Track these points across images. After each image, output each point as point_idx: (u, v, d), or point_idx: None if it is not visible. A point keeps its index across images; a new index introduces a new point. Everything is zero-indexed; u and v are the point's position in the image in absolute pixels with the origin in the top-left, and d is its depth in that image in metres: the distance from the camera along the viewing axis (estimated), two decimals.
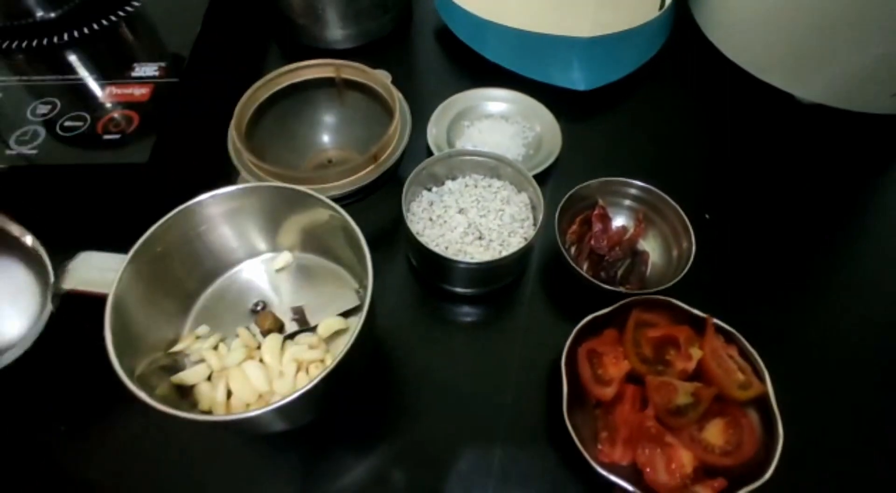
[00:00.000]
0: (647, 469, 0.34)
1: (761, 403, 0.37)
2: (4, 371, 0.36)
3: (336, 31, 0.60)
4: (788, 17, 0.53)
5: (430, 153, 0.51)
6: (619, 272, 0.45)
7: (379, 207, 0.48)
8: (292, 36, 0.63)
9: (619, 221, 0.47)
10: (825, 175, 0.54)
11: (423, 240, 0.42)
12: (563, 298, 0.46)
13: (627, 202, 0.47)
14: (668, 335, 0.39)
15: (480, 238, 0.44)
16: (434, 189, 0.47)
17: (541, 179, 0.50)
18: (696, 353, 0.38)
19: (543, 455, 0.39)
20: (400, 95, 0.47)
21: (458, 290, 0.45)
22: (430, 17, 0.66)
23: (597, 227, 0.46)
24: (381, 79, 0.48)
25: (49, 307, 0.38)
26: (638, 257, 0.46)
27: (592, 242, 0.45)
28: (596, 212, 0.46)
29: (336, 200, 0.36)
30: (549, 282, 0.47)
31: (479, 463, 0.39)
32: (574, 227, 0.46)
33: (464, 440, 0.40)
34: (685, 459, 0.34)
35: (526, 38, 0.57)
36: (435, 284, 0.46)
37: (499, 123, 0.55)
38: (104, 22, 0.54)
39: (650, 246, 0.47)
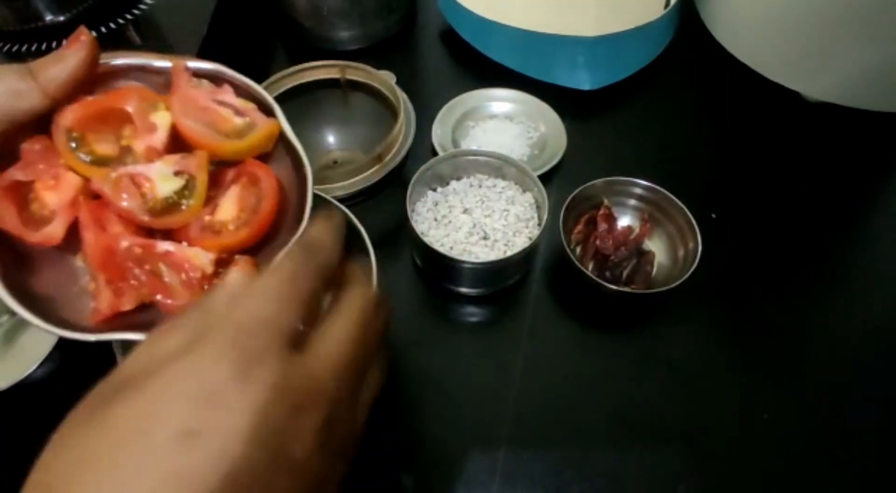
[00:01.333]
0: (159, 297, 0.24)
1: (287, 143, 0.26)
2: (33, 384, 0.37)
3: (341, 33, 0.61)
4: (795, 14, 0.52)
5: (435, 154, 0.51)
6: (625, 272, 0.45)
7: (384, 207, 0.48)
8: (298, 37, 0.63)
9: (624, 221, 0.47)
10: (832, 174, 0.54)
11: (428, 240, 0.42)
12: (568, 298, 0.46)
13: (633, 202, 0.47)
14: (110, 109, 0.24)
15: (485, 238, 0.44)
16: (439, 189, 0.47)
17: (545, 179, 0.50)
18: (162, 117, 0.25)
19: (548, 455, 0.39)
20: (404, 96, 0.48)
21: (463, 290, 0.45)
22: (434, 18, 0.66)
23: (602, 227, 0.46)
24: (385, 80, 0.48)
25: None
26: (643, 256, 0.46)
27: (598, 242, 0.45)
28: (601, 212, 0.46)
29: (341, 200, 0.36)
30: (554, 282, 0.47)
31: (483, 463, 0.39)
32: (579, 227, 0.46)
33: (468, 440, 0.40)
34: (197, 260, 0.24)
35: (530, 38, 0.57)
36: (440, 284, 0.46)
37: (503, 123, 0.55)
38: (112, 25, 0.55)
39: (656, 246, 0.46)
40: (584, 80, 0.56)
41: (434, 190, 0.47)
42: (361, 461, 0.39)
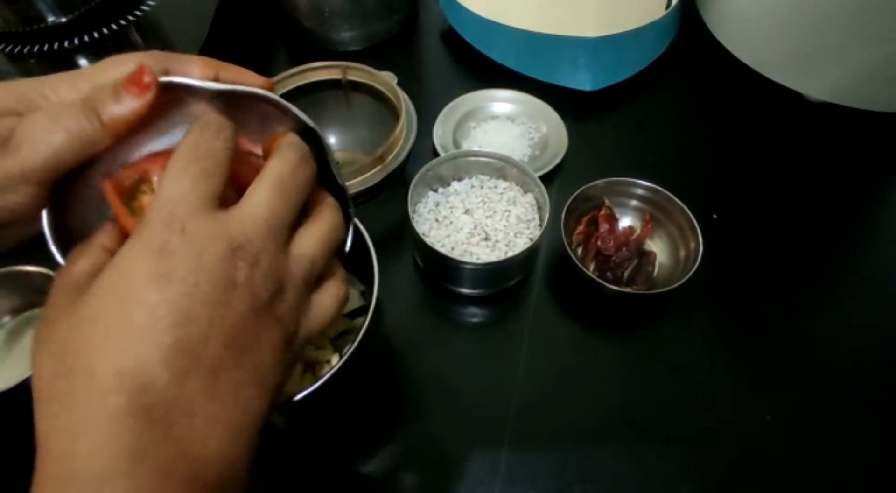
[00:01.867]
0: None
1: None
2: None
3: (342, 34, 0.61)
4: (796, 14, 0.52)
5: (436, 154, 0.51)
6: (626, 273, 0.45)
7: (385, 208, 0.48)
8: (299, 38, 0.63)
9: (625, 222, 0.47)
10: (833, 174, 0.54)
11: (429, 241, 0.42)
12: (569, 298, 0.46)
13: (634, 203, 0.47)
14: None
15: (486, 239, 0.44)
16: (440, 190, 0.47)
17: (547, 179, 0.50)
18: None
19: (549, 456, 0.39)
20: (405, 97, 0.48)
21: (465, 291, 0.45)
22: (435, 19, 0.66)
23: (603, 227, 0.46)
24: (386, 80, 0.48)
25: None
26: (645, 257, 0.46)
27: (599, 242, 0.45)
28: (602, 212, 0.46)
29: None
30: (555, 283, 0.47)
31: (486, 464, 0.39)
32: (580, 227, 0.46)
33: (470, 441, 0.40)
34: None
35: (532, 38, 0.57)
36: (441, 284, 0.46)
37: (505, 123, 0.55)
38: (114, 26, 0.55)
39: (657, 246, 0.46)
40: (585, 81, 0.56)
41: (435, 191, 0.47)
42: (364, 462, 0.39)
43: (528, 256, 0.42)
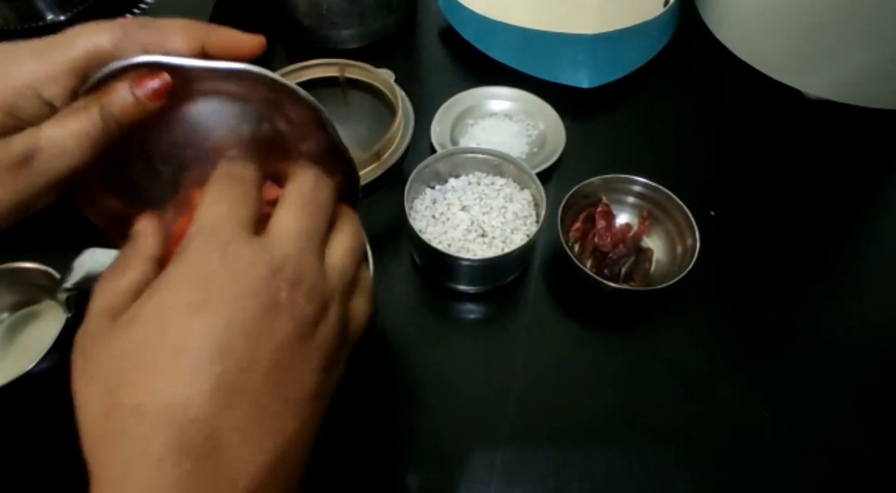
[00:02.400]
0: None
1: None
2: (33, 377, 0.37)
3: (341, 32, 0.61)
4: (795, 11, 0.52)
5: (433, 151, 0.51)
6: (623, 270, 0.45)
7: (382, 204, 0.48)
8: (298, 36, 0.63)
9: (622, 219, 0.47)
10: (832, 171, 0.54)
11: (426, 237, 0.42)
12: (566, 295, 0.46)
13: (631, 199, 0.47)
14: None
15: (483, 235, 0.44)
16: (437, 187, 0.47)
17: (545, 176, 0.50)
18: None
19: (547, 453, 0.39)
20: (403, 94, 0.48)
21: (462, 287, 0.45)
22: (434, 17, 0.66)
23: (600, 224, 0.46)
24: (383, 78, 0.48)
25: (66, 314, 0.39)
26: (642, 254, 0.46)
27: (596, 239, 0.45)
28: (599, 209, 0.46)
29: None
30: (552, 280, 0.46)
31: (483, 461, 0.39)
32: (577, 224, 0.46)
33: (467, 438, 0.40)
34: None
35: (530, 36, 0.57)
36: (438, 281, 0.46)
37: (503, 121, 0.55)
38: None
39: (654, 243, 0.46)
40: (583, 79, 0.56)
41: (432, 188, 0.47)
42: (359, 459, 0.39)
43: (525, 252, 0.42)
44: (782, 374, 0.43)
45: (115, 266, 0.22)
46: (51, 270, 0.41)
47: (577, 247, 0.46)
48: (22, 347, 0.42)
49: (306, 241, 0.22)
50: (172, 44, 0.23)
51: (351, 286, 0.25)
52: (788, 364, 0.43)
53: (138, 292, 0.21)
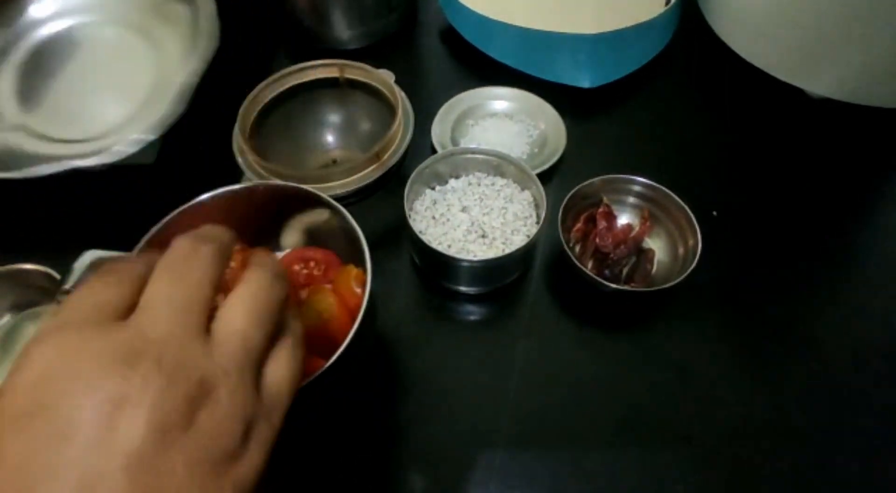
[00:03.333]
0: None
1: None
2: None
3: (342, 32, 0.61)
4: (797, 10, 0.52)
5: (434, 152, 0.51)
6: (624, 270, 0.45)
7: (382, 205, 0.48)
8: (299, 37, 0.63)
9: (623, 219, 0.47)
10: (835, 170, 0.53)
11: (426, 238, 0.42)
12: (567, 296, 0.45)
13: (632, 200, 0.47)
14: None
15: (483, 236, 0.43)
16: (437, 188, 0.47)
17: (546, 177, 0.50)
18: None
19: (546, 454, 0.39)
20: (403, 94, 0.47)
21: (462, 288, 0.45)
22: (434, 17, 0.66)
23: (601, 225, 0.46)
24: (383, 78, 0.48)
25: None
26: (643, 254, 0.45)
27: (597, 240, 0.45)
28: (600, 210, 0.46)
29: (339, 199, 0.36)
30: (553, 281, 0.46)
31: (482, 462, 0.39)
32: (578, 225, 0.46)
33: (466, 439, 0.39)
34: None
35: (531, 36, 0.56)
36: (438, 282, 0.46)
37: (503, 121, 0.55)
38: None
39: (656, 244, 0.46)
40: (584, 78, 0.56)
41: (433, 188, 0.46)
42: (358, 460, 0.39)
43: (525, 253, 0.42)
44: (786, 374, 0.42)
45: (106, 272, 0.21)
46: (51, 271, 0.41)
47: (577, 248, 0.46)
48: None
49: (246, 351, 0.19)
50: None
51: (259, 352, 0.20)
52: (792, 364, 0.43)
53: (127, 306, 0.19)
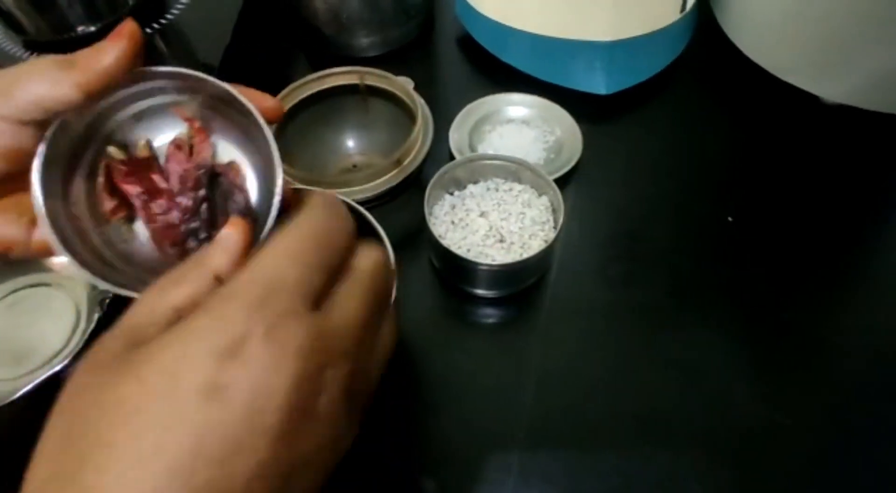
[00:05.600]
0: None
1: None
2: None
3: (360, 40, 0.62)
4: (813, 17, 0.52)
5: (451, 158, 0.52)
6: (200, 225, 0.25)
7: (402, 210, 0.49)
8: (318, 44, 0.65)
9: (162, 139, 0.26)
10: (850, 176, 0.53)
11: (446, 243, 0.42)
12: (584, 300, 0.46)
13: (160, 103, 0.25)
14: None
15: (501, 241, 0.44)
16: (456, 193, 0.47)
17: (561, 183, 0.51)
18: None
19: (564, 456, 0.39)
20: (422, 101, 0.48)
21: (480, 292, 0.46)
22: (451, 25, 0.67)
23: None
24: (403, 85, 0.49)
25: (96, 313, 0.40)
26: (220, 179, 0.26)
27: (144, 208, 0.25)
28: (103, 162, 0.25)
29: (361, 203, 0.37)
30: (569, 285, 0.47)
31: (499, 463, 0.39)
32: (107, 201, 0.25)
33: (484, 440, 0.40)
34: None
35: (547, 43, 0.57)
36: (457, 286, 0.46)
37: (520, 127, 0.56)
38: None
39: (231, 153, 0.26)
40: (600, 85, 0.56)
41: (451, 194, 0.47)
42: (378, 461, 0.40)
43: (543, 257, 0.43)
44: (806, 381, 0.43)
45: (164, 278, 0.20)
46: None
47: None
48: (38, 333, 0.43)
49: (365, 338, 0.20)
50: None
51: (374, 328, 0.21)
52: (810, 369, 0.43)
53: (182, 313, 0.18)
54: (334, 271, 0.20)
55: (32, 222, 0.23)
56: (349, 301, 0.20)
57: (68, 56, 0.22)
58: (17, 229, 0.23)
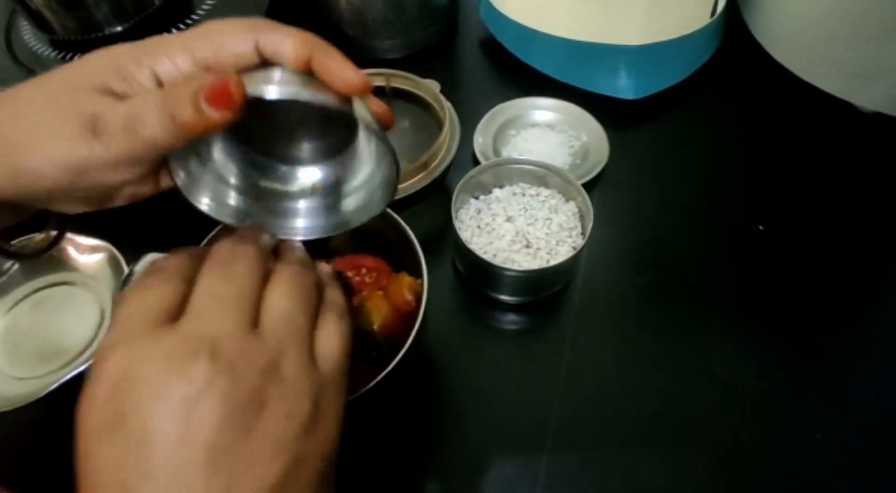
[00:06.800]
0: None
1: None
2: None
3: (384, 42, 0.62)
4: (846, 21, 0.51)
5: (476, 162, 0.52)
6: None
7: (427, 214, 0.48)
8: (343, 47, 0.64)
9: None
10: (885, 186, 0.52)
11: (472, 247, 0.42)
12: (611, 307, 0.45)
13: None
14: None
15: (528, 246, 0.44)
16: (482, 197, 0.47)
17: (587, 188, 0.50)
18: None
19: (590, 464, 0.39)
20: (449, 105, 0.48)
21: (505, 298, 0.45)
22: (475, 27, 0.66)
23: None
24: (430, 88, 0.49)
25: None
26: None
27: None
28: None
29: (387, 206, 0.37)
30: (597, 292, 0.46)
31: (526, 471, 0.39)
32: None
33: (509, 449, 0.39)
34: None
35: (573, 46, 0.57)
36: (482, 291, 0.46)
37: (545, 132, 0.55)
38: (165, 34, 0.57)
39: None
40: (627, 90, 0.55)
41: (477, 198, 0.47)
42: (401, 469, 0.39)
43: (571, 264, 0.42)
44: (838, 395, 0.41)
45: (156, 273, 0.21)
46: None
47: None
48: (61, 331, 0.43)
49: (292, 336, 0.21)
50: (282, 50, 0.24)
51: (306, 328, 0.22)
52: (844, 385, 0.42)
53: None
54: (176, 280, 0.21)
55: None
56: (269, 313, 0.21)
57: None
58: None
